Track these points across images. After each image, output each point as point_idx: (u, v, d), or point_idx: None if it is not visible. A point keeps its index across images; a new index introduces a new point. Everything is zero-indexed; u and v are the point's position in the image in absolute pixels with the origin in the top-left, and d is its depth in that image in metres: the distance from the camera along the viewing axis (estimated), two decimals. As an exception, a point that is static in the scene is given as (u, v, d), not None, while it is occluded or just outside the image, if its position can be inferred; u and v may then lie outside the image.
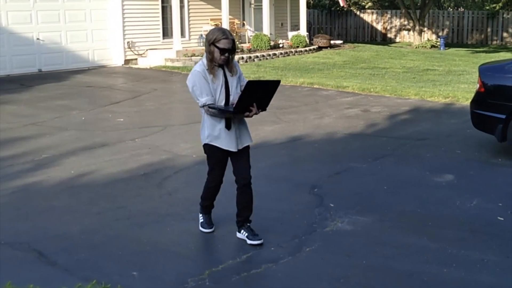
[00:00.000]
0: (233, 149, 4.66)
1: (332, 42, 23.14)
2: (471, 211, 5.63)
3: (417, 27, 25.94)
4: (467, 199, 5.92)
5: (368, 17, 29.83)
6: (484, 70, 7.75)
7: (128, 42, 17.35)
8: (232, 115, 4.52)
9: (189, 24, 19.06)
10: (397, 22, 29.27)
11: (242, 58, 17.87)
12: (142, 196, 6.08)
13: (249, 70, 15.73)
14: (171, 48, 17.75)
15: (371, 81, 14.15)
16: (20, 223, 5.34)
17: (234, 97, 4.57)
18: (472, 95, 8.57)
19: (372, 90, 12.77)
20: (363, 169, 7.07)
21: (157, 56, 17.49)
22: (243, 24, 21.07)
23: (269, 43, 19.56)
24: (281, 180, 6.63)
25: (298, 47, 20.64)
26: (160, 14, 18.23)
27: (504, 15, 27.53)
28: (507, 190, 6.25)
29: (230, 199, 5.00)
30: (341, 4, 23.32)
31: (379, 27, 29.68)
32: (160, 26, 18.30)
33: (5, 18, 14.94)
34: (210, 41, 4.48)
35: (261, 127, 8.84)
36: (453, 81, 14.37)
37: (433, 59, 19.97)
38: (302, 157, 7.69)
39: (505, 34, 27.56)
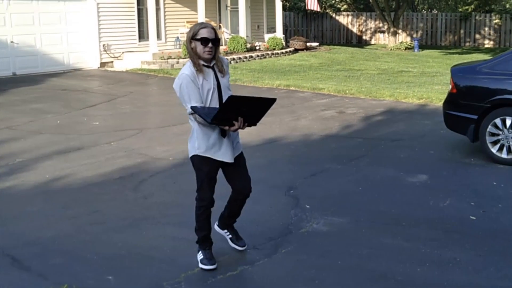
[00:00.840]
0: (228, 159, 4.27)
1: (308, 44, 23.27)
2: (444, 211, 5.71)
3: (391, 29, 26.22)
4: (440, 199, 6.00)
5: (344, 19, 30.05)
6: (456, 71, 7.86)
7: (103, 45, 17.25)
8: (209, 124, 4.07)
9: (165, 27, 19.01)
10: (372, 24, 29.53)
11: (219, 60, 17.85)
12: (117, 200, 6.05)
13: (225, 72, 15.71)
14: (147, 51, 17.69)
15: (347, 83, 14.26)
16: (-7, 229, 5.28)
17: None
18: (445, 96, 8.69)
19: (347, 92, 12.87)
20: (338, 170, 7.12)
21: (133, 58, 17.41)
22: (220, 27, 21.07)
23: (246, 45, 19.60)
24: (257, 182, 6.57)
25: (274, 49, 20.71)
26: (136, 17, 18.16)
27: (477, 17, 27.94)
28: (479, 189, 6.36)
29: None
30: (314, 8, 23.42)
31: (354, 29, 29.91)
32: (136, 29, 18.23)
33: (-23, 21, 14.76)
34: (190, 38, 4.15)
35: (237, 130, 8.82)
36: (427, 82, 14.54)
37: (408, 61, 20.19)
38: (278, 159, 7.73)
39: (477, 36, 27.97)
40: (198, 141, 4.22)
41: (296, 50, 22.02)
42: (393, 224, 5.38)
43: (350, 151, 7.99)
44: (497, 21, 27.27)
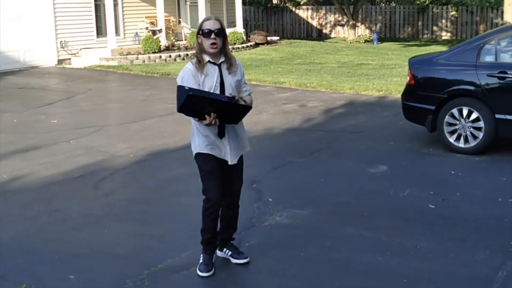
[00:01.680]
0: (229, 160, 4.15)
1: (269, 38, 23.31)
2: (404, 200, 5.82)
3: (351, 22, 26.45)
4: (400, 189, 6.11)
5: (304, 13, 30.18)
6: (413, 63, 7.99)
7: (61, 42, 16.94)
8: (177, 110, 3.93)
9: (123, 22, 18.76)
10: (331, 17, 29.73)
11: (179, 56, 17.75)
12: (78, 198, 5.97)
13: (186, 67, 15.62)
14: (106, 47, 17.43)
15: (308, 77, 14.35)
16: (-51, 231, 5.14)
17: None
18: (404, 88, 8.82)
19: (308, 85, 12.95)
20: (300, 163, 7.17)
21: (91, 55, 17.14)
22: (179, 22, 20.94)
23: (206, 40, 19.47)
24: (220, 177, 6.63)
25: (235, 44, 20.68)
26: (93, 13, 17.86)
27: (434, 10, 28.41)
28: (438, 178, 6.49)
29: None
30: (274, 1, 23.50)
31: (314, 23, 30.07)
32: (94, 25, 17.94)
33: None
34: (197, 33, 4.06)
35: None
36: (386, 74, 14.74)
37: (367, 54, 20.41)
38: (241, 153, 7.72)
39: (435, 28, 28.45)
40: (198, 139, 4.15)
41: (257, 44, 22.03)
42: (354, 214, 5.45)
43: (312, 144, 8.05)
44: (453, 13, 27.78)
